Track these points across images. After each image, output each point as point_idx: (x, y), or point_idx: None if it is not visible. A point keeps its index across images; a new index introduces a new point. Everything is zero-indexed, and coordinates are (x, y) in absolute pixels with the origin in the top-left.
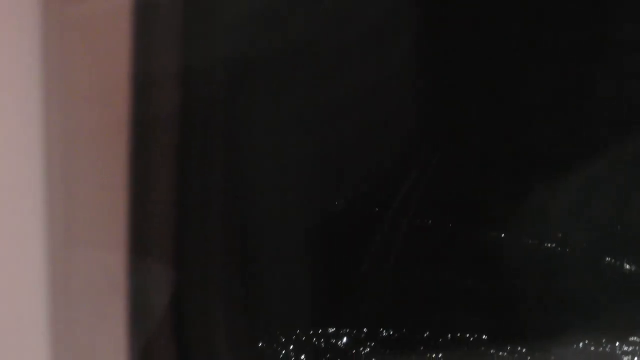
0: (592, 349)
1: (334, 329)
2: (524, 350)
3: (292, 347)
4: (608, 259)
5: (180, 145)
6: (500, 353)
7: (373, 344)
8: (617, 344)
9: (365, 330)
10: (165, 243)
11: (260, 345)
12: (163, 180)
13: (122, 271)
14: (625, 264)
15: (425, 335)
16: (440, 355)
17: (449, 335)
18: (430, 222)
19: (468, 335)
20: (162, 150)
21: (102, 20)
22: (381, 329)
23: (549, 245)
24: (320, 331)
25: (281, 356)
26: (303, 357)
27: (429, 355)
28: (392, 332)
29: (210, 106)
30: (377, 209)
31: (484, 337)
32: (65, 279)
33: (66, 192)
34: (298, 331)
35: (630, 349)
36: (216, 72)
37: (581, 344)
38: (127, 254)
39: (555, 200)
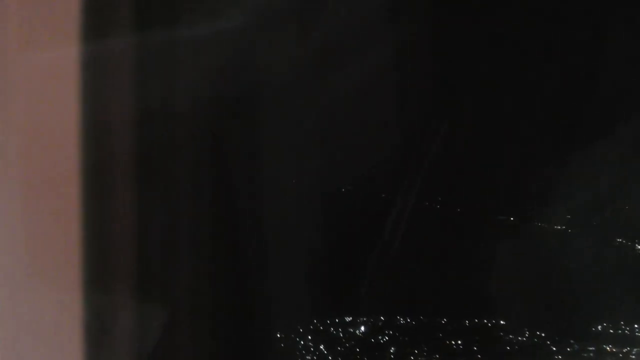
0: (611, 331)
1: (351, 318)
2: (543, 334)
3: (310, 337)
4: (619, 240)
5: (138, 186)
6: (519, 338)
7: (391, 332)
8: (636, 325)
9: (382, 318)
10: (123, 279)
11: (279, 336)
12: (118, 219)
13: (80, 308)
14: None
15: (443, 321)
16: (460, 342)
17: (466, 321)
18: (438, 205)
19: (485, 321)
20: (116, 192)
21: (49, 72)
22: (398, 317)
23: (559, 227)
24: (337, 320)
25: (300, 346)
26: (322, 346)
27: (447, 341)
28: (409, 320)
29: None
30: (385, 193)
31: (501, 322)
32: (23, 315)
33: (26, 234)
34: (315, 321)
35: None
36: (170, 116)
37: (599, 327)
38: (82, 291)
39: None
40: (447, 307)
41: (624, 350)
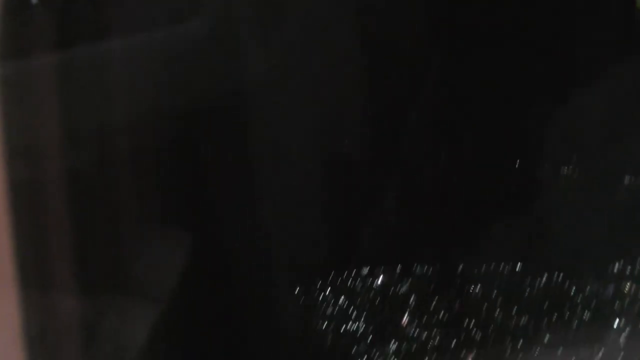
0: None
1: (368, 269)
2: (560, 278)
3: (328, 290)
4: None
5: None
6: (537, 280)
7: (409, 281)
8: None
9: (399, 267)
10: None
11: (297, 291)
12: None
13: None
14: None
15: (459, 268)
16: (478, 288)
17: (483, 267)
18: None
19: (503, 264)
20: (48, 208)
21: None
22: (415, 265)
23: (567, 169)
24: (354, 272)
25: (319, 301)
26: (342, 299)
27: (465, 288)
28: (425, 268)
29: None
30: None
31: (519, 265)
32: None
33: None
34: (332, 274)
35: None
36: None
37: (615, 267)
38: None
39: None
40: (463, 254)
41: None
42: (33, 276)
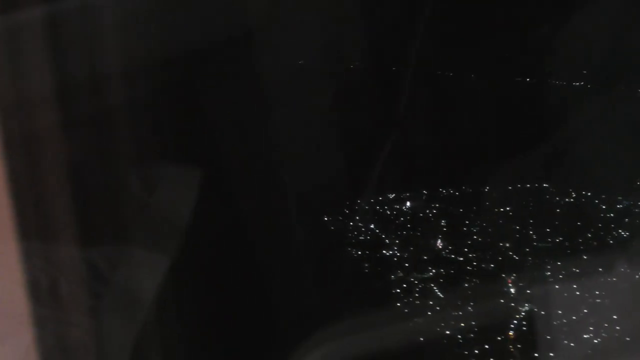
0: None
1: (394, 195)
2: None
3: (357, 217)
4: None
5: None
6: (566, 199)
7: (437, 204)
8: None
9: (424, 192)
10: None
11: (326, 219)
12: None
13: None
14: None
15: (486, 189)
16: (509, 208)
17: (509, 187)
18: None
19: (529, 185)
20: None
21: None
22: (441, 189)
23: (579, 83)
24: (381, 199)
25: (350, 227)
26: (372, 225)
27: (495, 209)
28: (451, 190)
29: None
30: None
31: (545, 185)
32: None
33: None
34: (359, 201)
35: None
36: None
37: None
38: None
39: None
40: (487, 176)
41: None
42: (35, 227)
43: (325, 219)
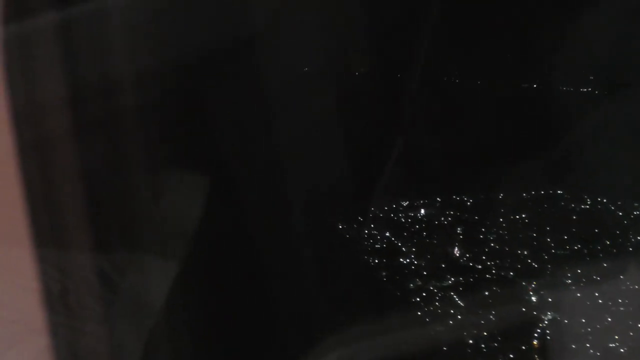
0: None
1: (407, 202)
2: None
3: (372, 225)
4: None
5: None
6: (581, 206)
7: (452, 212)
8: None
9: (438, 199)
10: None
11: (340, 228)
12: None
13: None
14: None
15: (500, 196)
16: (524, 215)
17: (524, 194)
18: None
19: (542, 192)
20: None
21: None
22: (454, 196)
23: (585, 89)
24: (394, 206)
25: (366, 236)
26: (388, 233)
27: (510, 216)
28: (465, 198)
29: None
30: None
31: (559, 192)
32: None
33: None
34: (372, 209)
35: None
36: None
37: None
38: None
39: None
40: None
41: None
42: (47, 234)
43: (340, 227)
